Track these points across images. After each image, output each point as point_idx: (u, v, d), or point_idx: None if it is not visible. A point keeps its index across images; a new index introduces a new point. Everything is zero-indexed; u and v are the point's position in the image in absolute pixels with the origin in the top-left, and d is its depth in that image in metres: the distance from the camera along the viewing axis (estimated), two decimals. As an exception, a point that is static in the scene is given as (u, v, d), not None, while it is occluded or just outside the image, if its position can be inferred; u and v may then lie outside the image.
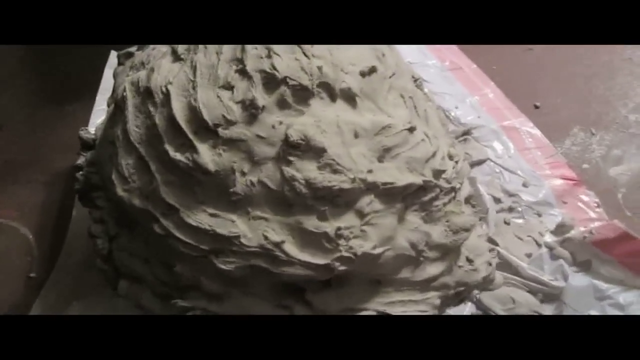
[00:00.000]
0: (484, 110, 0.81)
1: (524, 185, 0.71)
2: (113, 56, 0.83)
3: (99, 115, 0.76)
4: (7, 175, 0.75)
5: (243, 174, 0.45)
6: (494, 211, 0.68)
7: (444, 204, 0.51)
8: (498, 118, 0.79)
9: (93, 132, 0.63)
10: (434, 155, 0.50)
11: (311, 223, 0.44)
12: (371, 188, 0.46)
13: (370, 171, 0.46)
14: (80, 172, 0.61)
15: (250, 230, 0.45)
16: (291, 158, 0.44)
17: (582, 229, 0.65)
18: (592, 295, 0.60)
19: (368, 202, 0.46)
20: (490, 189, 0.70)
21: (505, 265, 0.63)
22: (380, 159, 0.47)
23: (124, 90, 0.50)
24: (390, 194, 0.47)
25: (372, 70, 0.49)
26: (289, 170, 0.44)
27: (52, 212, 0.71)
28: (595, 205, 0.68)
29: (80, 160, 0.63)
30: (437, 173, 0.50)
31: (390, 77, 0.51)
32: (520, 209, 0.69)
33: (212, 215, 0.46)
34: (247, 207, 0.46)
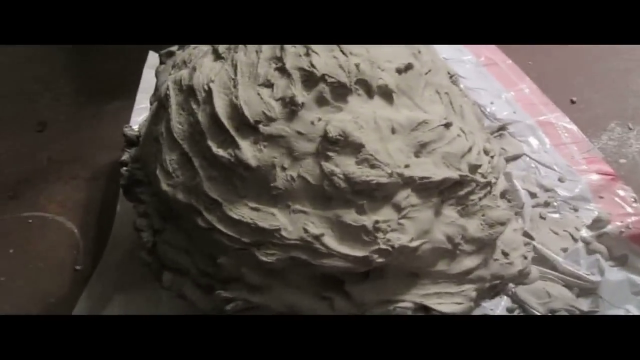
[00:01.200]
0: (520, 105, 0.81)
1: (560, 180, 0.71)
2: (151, 56, 0.85)
3: (139, 113, 0.78)
4: (52, 172, 0.78)
5: (283, 169, 0.46)
6: (529, 206, 0.68)
7: (480, 199, 0.51)
8: (534, 113, 0.79)
9: (136, 129, 0.65)
10: (469, 150, 0.51)
11: (350, 216, 0.45)
12: (408, 182, 0.47)
13: (407, 166, 0.47)
14: (125, 168, 0.63)
15: (291, 223, 0.46)
16: (330, 153, 0.46)
17: (619, 223, 0.65)
18: (628, 289, 0.60)
19: (405, 196, 0.47)
20: (526, 184, 0.70)
21: (541, 259, 0.63)
22: (417, 154, 0.48)
23: (167, 88, 0.52)
24: (426, 189, 0.48)
25: (408, 67, 0.50)
26: (328, 166, 0.45)
27: (95, 207, 0.73)
28: (633, 200, 0.67)
29: (125, 157, 0.65)
30: (473, 168, 0.51)
31: (426, 73, 0.52)
32: (556, 204, 0.69)
33: (253, 209, 0.47)
34: (288, 201, 0.47)
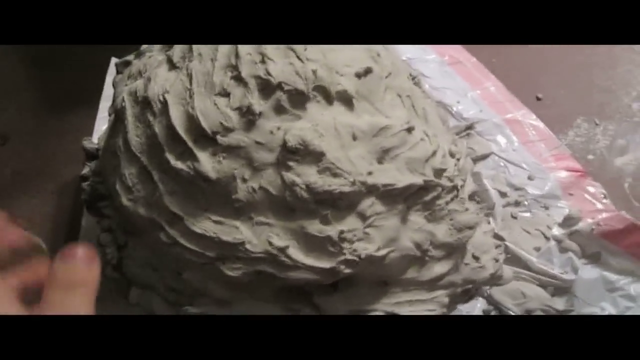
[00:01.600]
0: (486, 104, 0.80)
1: (530, 178, 0.70)
2: (114, 63, 0.83)
3: (102, 123, 0.76)
4: (16, 186, 0.75)
5: (244, 180, 0.45)
6: (500, 206, 0.67)
7: (447, 203, 0.51)
8: (500, 111, 0.78)
9: (96, 141, 0.63)
10: (434, 154, 0.50)
11: (314, 227, 0.44)
12: (372, 190, 0.46)
13: (370, 173, 0.46)
14: (87, 182, 0.61)
15: (255, 236, 0.45)
16: (291, 163, 0.44)
17: (590, 220, 0.64)
18: (602, 287, 0.60)
19: (369, 205, 0.46)
20: (495, 184, 0.70)
21: (514, 259, 0.63)
22: (380, 161, 0.47)
23: (123, 100, 0.50)
24: (391, 196, 0.47)
25: (368, 71, 0.49)
26: (289, 176, 0.44)
27: (62, 221, 0.71)
28: (602, 196, 0.67)
29: (86, 170, 0.63)
30: (438, 172, 0.50)
31: (386, 77, 0.51)
32: (526, 203, 0.68)
33: (216, 222, 0.46)
34: (250, 213, 0.46)
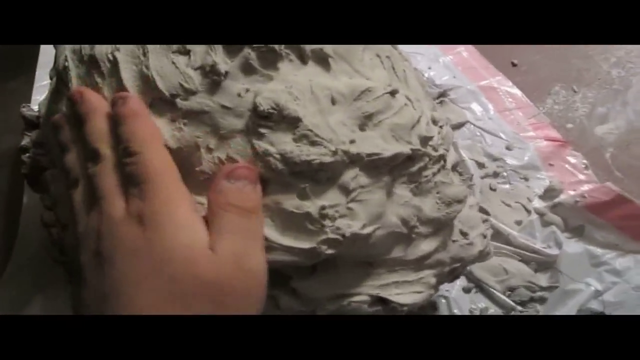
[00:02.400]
0: (459, 70, 0.76)
1: (508, 148, 0.67)
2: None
3: (41, 91, 0.70)
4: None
5: (209, 150, 0.39)
6: (478, 177, 0.64)
7: (434, 174, 0.46)
8: (474, 78, 0.75)
9: (36, 109, 0.57)
10: (418, 120, 0.45)
11: (291, 203, 0.39)
12: (355, 160, 0.40)
13: (352, 141, 0.40)
14: (27, 154, 0.55)
15: None
16: (263, 130, 0.38)
17: (572, 192, 0.62)
18: (587, 262, 0.58)
19: (353, 177, 0.40)
20: (472, 154, 0.66)
21: (495, 234, 0.59)
22: (362, 127, 0.42)
23: (65, 59, 0.44)
24: (376, 166, 0.41)
25: None
26: (261, 144, 0.38)
27: (2, 199, 0.65)
28: (584, 167, 0.64)
29: (26, 141, 0.57)
30: (424, 140, 0.45)
31: None
32: (505, 174, 0.65)
33: None
34: None
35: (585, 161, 0.65)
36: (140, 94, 0.40)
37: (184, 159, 0.39)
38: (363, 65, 0.45)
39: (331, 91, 0.41)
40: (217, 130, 0.39)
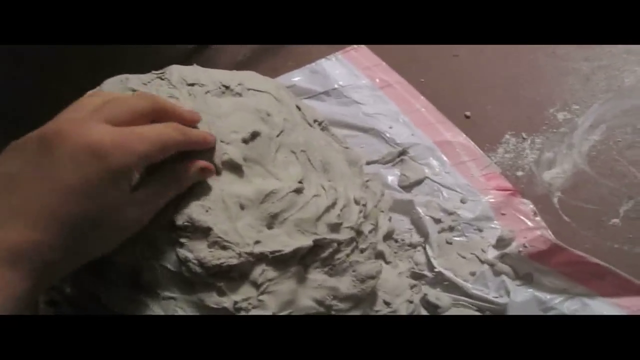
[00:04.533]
0: (417, 127, 0.80)
1: (462, 201, 0.71)
2: None
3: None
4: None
5: (147, 259, 0.46)
6: (435, 232, 0.68)
7: (347, 255, 0.52)
8: (432, 134, 0.79)
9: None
10: (328, 209, 0.51)
11: (212, 300, 0.46)
12: (261, 258, 0.47)
13: (257, 242, 0.47)
14: None
15: (163, 310, 0.46)
16: (182, 240, 0.46)
17: (523, 239, 0.65)
18: (536, 307, 0.61)
19: (260, 272, 0.47)
20: (429, 210, 0.70)
21: (452, 286, 0.63)
22: (270, 226, 0.49)
23: None
24: (282, 260, 0.48)
25: (255, 134, 0.50)
26: (182, 252, 0.46)
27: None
28: (533, 213, 0.67)
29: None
30: (335, 227, 0.51)
31: (277, 135, 0.52)
32: (460, 227, 0.68)
33: (124, 298, 0.47)
34: (157, 289, 0.46)
35: (533, 207, 0.68)
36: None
37: (129, 267, 0.47)
38: (275, 166, 0.51)
39: (240, 198, 0.48)
40: (150, 242, 0.46)
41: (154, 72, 0.56)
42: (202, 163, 0.47)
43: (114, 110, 0.42)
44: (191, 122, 0.48)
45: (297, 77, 0.89)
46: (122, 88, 0.51)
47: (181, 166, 0.45)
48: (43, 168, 0.38)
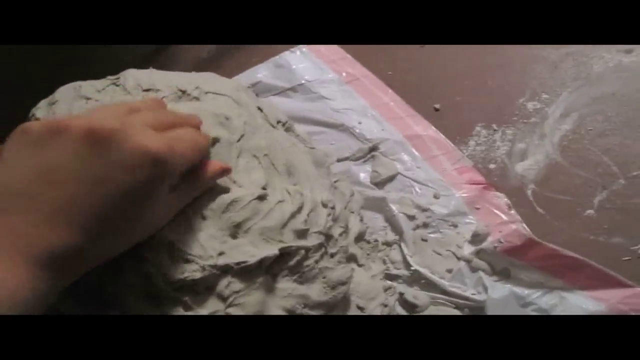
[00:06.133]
0: (387, 121, 0.79)
1: (435, 196, 0.70)
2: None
3: None
4: None
5: (113, 278, 0.44)
6: (410, 229, 0.67)
7: (317, 261, 0.50)
8: (402, 128, 0.77)
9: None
10: (293, 215, 0.49)
11: (178, 314, 0.44)
12: (226, 270, 0.45)
13: (221, 253, 0.45)
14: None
15: None
16: (146, 255, 0.44)
17: (498, 233, 0.64)
18: (515, 303, 0.60)
19: (226, 285, 0.45)
20: (402, 207, 0.69)
21: (429, 284, 0.62)
22: (234, 236, 0.47)
23: None
24: (248, 271, 0.46)
25: (215, 141, 0.49)
26: (145, 267, 0.44)
27: None
28: (507, 207, 0.67)
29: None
30: (302, 233, 0.49)
31: (238, 140, 0.50)
32: (434, 224, 0.67)
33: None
34: (122, 306, 0.45)
35: (507, 201, 0.67)
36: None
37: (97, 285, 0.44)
38: (238, 171, 0.49)
39: (201, 209, 0.46)
40: (115, 259, 0.44)
41: (109, 77, 0.54)
42: (220, 164, 0.47)
43: (153, 116, 0.42)
44: (195, 125, 0.48)
45: (261, 73, 0.86)
46: (75, 97, 0.49)
47: (203, 168, 0.45)
48: (95, 167, 0.37)
